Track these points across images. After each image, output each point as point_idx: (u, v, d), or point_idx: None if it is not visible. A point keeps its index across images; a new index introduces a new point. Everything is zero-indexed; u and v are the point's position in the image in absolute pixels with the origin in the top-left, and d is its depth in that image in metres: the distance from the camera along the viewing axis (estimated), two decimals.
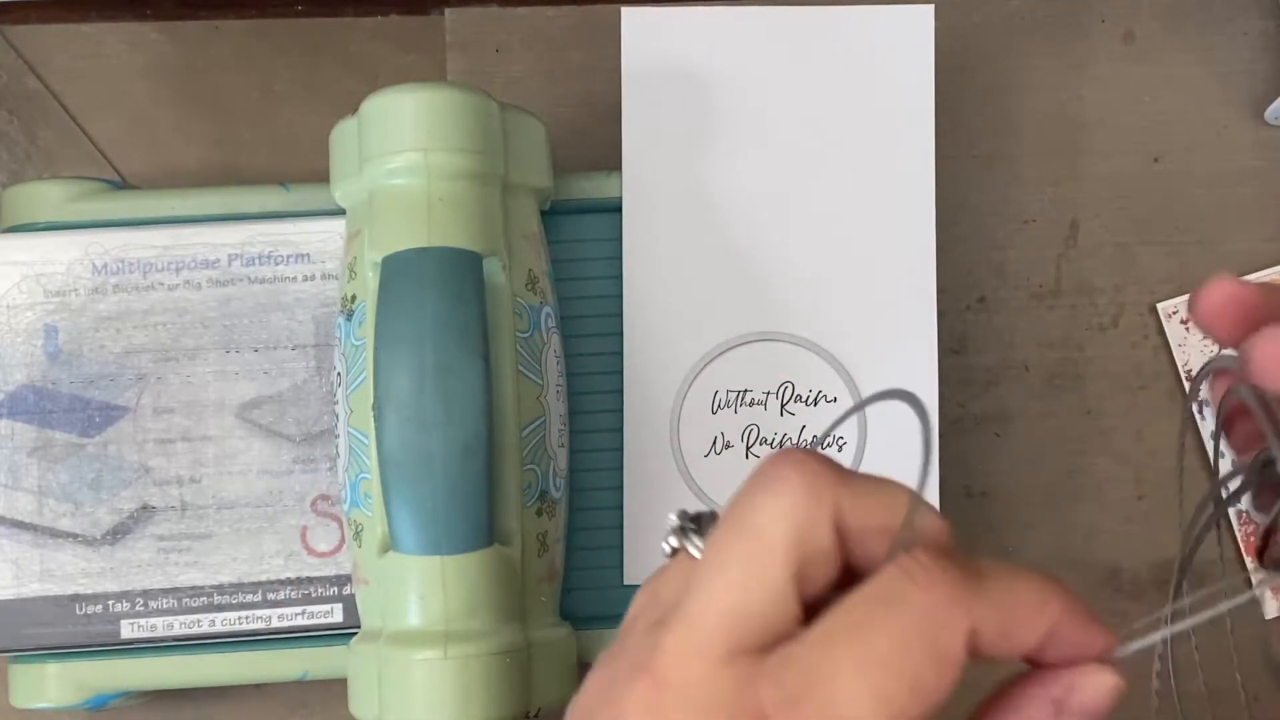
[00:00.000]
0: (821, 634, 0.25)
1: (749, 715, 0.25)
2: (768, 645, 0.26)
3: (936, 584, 0.25)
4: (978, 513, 0.57)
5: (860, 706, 0.24)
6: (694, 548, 0.28)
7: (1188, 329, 0.58)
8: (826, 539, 0.26)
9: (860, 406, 0.48)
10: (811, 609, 0.26)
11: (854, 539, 0.27)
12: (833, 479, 0.27)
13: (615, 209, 0.52)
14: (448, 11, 0.58)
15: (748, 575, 0.26)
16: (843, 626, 0.25)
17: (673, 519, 0.29)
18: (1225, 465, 0.55)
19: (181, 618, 0.50)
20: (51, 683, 0.50)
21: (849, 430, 0.51)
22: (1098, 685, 0.27)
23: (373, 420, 0.43)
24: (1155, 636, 0.28)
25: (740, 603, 0.26)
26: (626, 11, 0.52)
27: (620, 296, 0.52)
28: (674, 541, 0.29)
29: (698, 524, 0.29)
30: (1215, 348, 0.58)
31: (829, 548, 0.26)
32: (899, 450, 0.52)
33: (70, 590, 0.50)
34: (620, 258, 0.52)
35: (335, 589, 0.51)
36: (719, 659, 0.25)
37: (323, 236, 0.51)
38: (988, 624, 0.25)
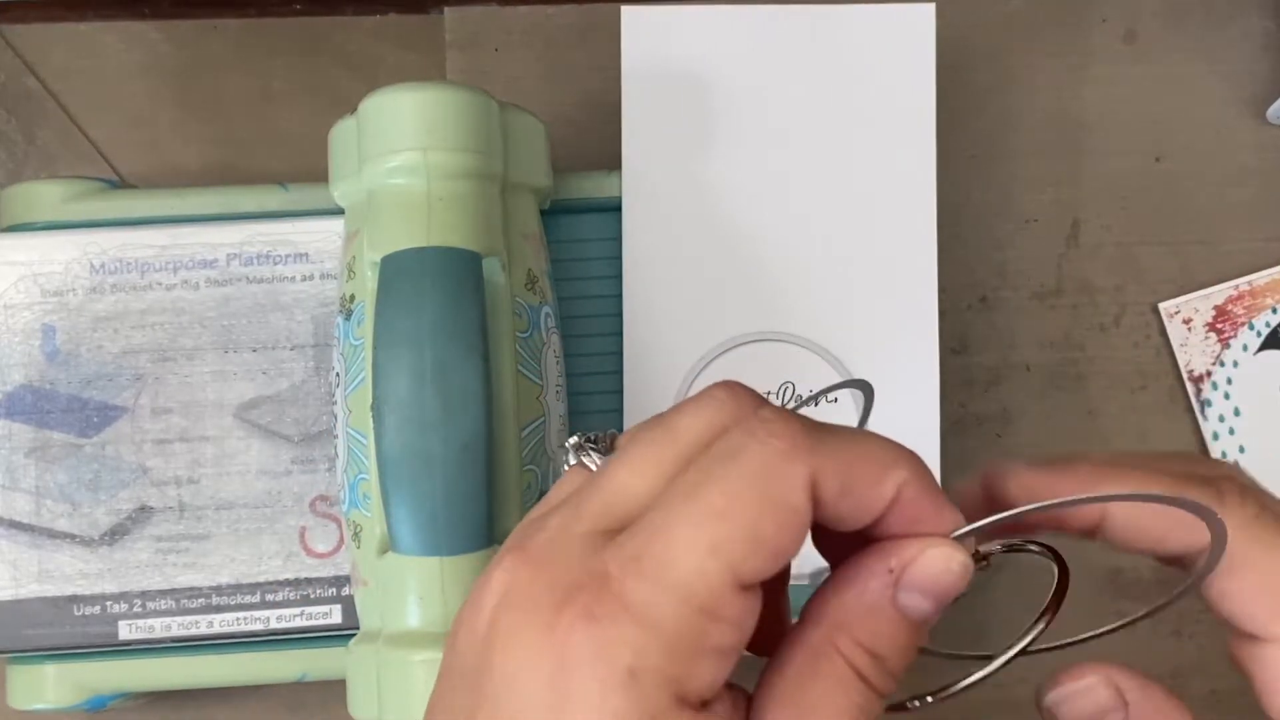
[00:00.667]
0: (665, 495, 0.25)
1: (594, 576, 0.25)
2: None
3: (775, 435, 0.25)
4: None
5: (696, 557, 0.24)
6: (592, 462, 0.28)
7: (1189, 329, 0.58)
8: None
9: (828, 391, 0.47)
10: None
11: None
12: (760, 404, 0.27)
13: (615, 208, 0.52)
14: (447, 10, 0.58)
15: (641, 462, 0.26)
16: (683, 485, 0.25)
17: (573, 439, 0.29)
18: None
19: (180, 619, 0.50)
20: (49, 684, 0.50)
21: (849, 416, 0.51)
22: (941, 560, 0.26)
23: (371, 420, 0.43)
24: (1002, 516, 0.27)
25: (624, 485, 0.26)
26: (626, 10, 0.52)
27: (620, 296, 0.52)
28: (572, 459, 0.29)
29: (597, 443, 0.29)
30: (1218, 347, 0.57)
31: None
32: (901, 437, 0.51)
33: (68, 591, 0.50)
34: (620, 257, 0.52)
35: (334, 590, 0.50)
36: (583, 533, 0.26)
37: (321, 236, 0.51)
38: (828, 475, 0.25)
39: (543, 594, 0.25)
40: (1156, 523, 0.28)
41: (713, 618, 0.24)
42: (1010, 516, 0.27)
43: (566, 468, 0.29)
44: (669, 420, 0.27)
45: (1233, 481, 0.28)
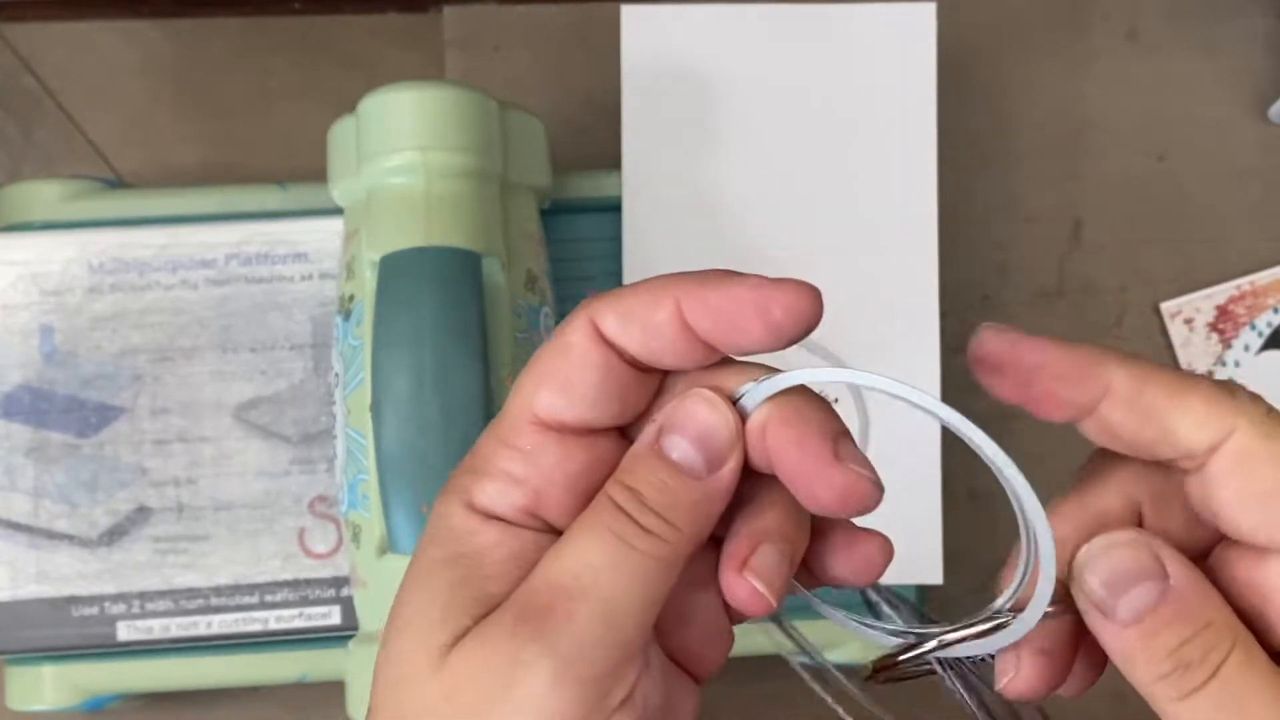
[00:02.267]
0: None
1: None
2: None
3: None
4: (980, 514, 0.57)
5: (511, 398, 0.27)
6: None
7: (1191, 329, 0.57)
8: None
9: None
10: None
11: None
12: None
13: (615, 208, 0.52)
14: (446, 9, 0.58)
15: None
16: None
17: None
18: None
19: (178, 619, 0.50)
20: (48, 685, 0.50)
21: (850, 417, 0.51)
22: (698, 402, 0.27)
23: (371, 421, 0.43)
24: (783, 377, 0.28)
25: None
26: (626, 9, 0.52)
27: None
28: None
29: None
30: (1220, 348, 0.57)
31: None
32: (903, 438, 0.51)
33: (66, 592, 0.50)
34: (620, 258, 0.51)
35: (333, 591, 0.50)
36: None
37: (320, 236, 0.51)
38: (603, 310, 0.27)
39: None
40: (1157, 416, 0.26)
41: (503, 444, 0.27)
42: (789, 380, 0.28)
43: None
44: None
45: (1246, 389, 0.26)
